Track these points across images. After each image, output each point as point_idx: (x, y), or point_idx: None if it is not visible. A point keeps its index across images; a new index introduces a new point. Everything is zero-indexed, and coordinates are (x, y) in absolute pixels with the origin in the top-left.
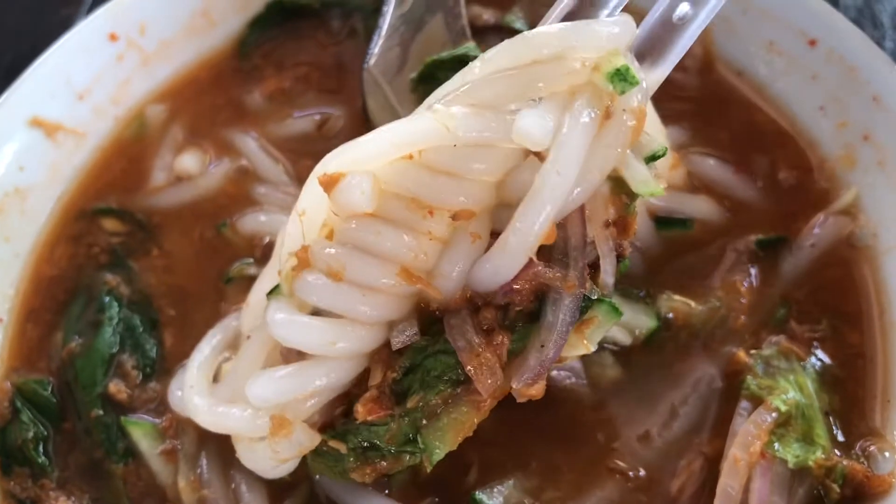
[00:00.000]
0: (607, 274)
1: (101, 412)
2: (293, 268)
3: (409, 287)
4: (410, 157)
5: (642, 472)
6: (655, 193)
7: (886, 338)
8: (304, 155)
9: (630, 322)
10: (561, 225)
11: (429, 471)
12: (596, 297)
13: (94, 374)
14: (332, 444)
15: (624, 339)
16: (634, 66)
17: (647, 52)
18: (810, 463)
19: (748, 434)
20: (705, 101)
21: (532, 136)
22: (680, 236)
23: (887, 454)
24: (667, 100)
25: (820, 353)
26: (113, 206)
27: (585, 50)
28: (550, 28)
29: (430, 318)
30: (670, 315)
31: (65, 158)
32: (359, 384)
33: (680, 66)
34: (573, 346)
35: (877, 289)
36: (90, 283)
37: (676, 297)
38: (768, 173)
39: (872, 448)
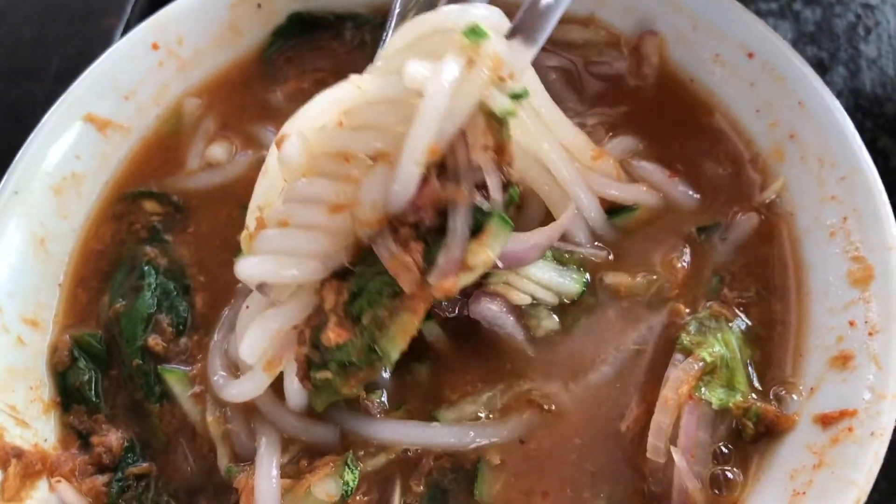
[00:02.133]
0: (494, 189)
1: (140, 361)
2: (251, 232)
3: (341, 220)
4: (340, 123)
5: (569, 408)
6: (511, 113)
7: (802, 306)
8: None
9: (557, 286)
10: (450, 152)
11: (389, 370)
12: (487, 210)
13: (135, 330)
14: (320, 375)
15: (551, 299)
16: (495, 34)
17: (520, 32)
18: (731, 405)
19: (678, 379)
20: (662, 106)
21: (414, 77)
22: (628, 223)
23: (794, 397)
24: (626, 105)
25: (745, 317)
26: (153, 190)
27: (461, 25)
28: (440, 11)
29: (365, 250)
30: (608, 283)
31: (113, 149)
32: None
33: (639, 75)
34: (475, 252)
35: (796, 265)
36: (132, 254)
37: (620, 273)
38: (712, 167)
39: (783, 393)
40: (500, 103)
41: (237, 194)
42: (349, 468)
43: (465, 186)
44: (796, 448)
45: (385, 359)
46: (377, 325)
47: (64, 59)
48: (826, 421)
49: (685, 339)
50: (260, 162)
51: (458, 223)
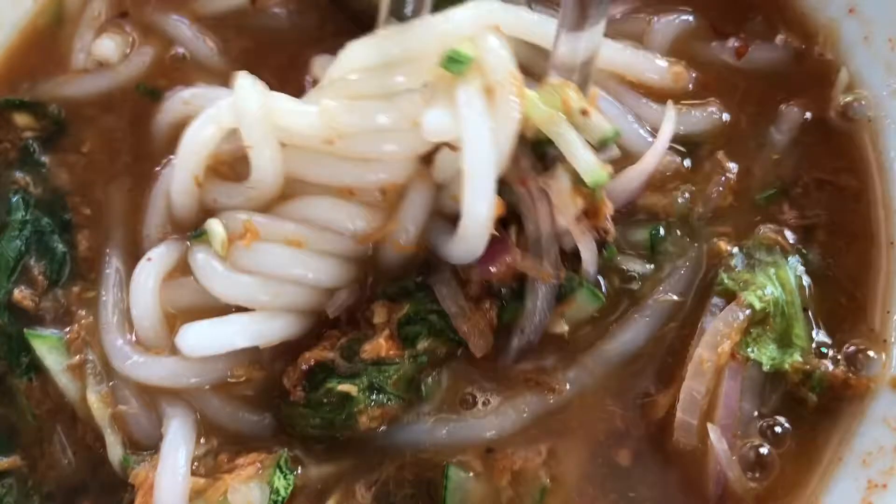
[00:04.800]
0: (588, 264)
1: (4, 321)
2: (234, 237)
3: (364, 249)
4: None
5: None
6: (601, 182)
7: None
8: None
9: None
10: (532, 218)
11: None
12: (574, 283)
13: None
14: (341, 387)
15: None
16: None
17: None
18: (786, 366)
19: (717, 333)
20: None
21: (440, 132)
22: None
23: (873, 355)
24: None
25: (810, 246)
26: (24, 99)
27: (436, 52)
28: (406, 29)
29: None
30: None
31: None
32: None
33: None
34: (551, 324)
35: (878, 164)
36: None
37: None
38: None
39: (859, 350)
40: (583, 164)
41: (133, 103)
42: (281, 472)
43: (547, 262)
44: (871, 423)
45: (426, 398)
46: (432, 358)
47: None
48: None
49: (726, 278)
50: (173, 62)
51: (539, 304)
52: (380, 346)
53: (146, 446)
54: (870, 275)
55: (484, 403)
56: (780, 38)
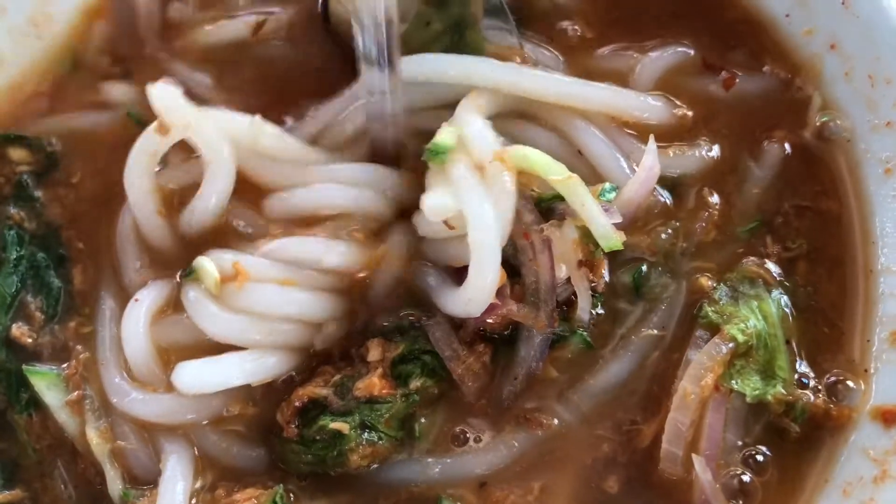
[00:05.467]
0: (583, 311)
1: (2, 358)
2: (227, 279)
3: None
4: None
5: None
6: (615, 247)
7: (868, 261)
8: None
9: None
10: (532, 270)
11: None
12: (566, 333)
13: None
14: (334, 425)
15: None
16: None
17: None
18: (769, 397)
19: (701, 366)
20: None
21: (442, 212)
22: None
23: (853, 385)
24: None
25: (791, 278)
26: (20, 133)
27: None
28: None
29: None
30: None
31: None
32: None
33: None
34: (543, 370)
35: (859, 206)
36: None
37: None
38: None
39: (839, 381)
40: (600, 228)
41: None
42: None
43: (544, 312)
44: (851, 453)
45: (418, 437)
46: (424, 398)
47: None
48: (889, 417)
49: (710, 310)
50: None
51: (532, 353)
52: (373, 384)
53: (145, 481)
54: (849, 303)
55: (475, 440)
56: (766, 69)
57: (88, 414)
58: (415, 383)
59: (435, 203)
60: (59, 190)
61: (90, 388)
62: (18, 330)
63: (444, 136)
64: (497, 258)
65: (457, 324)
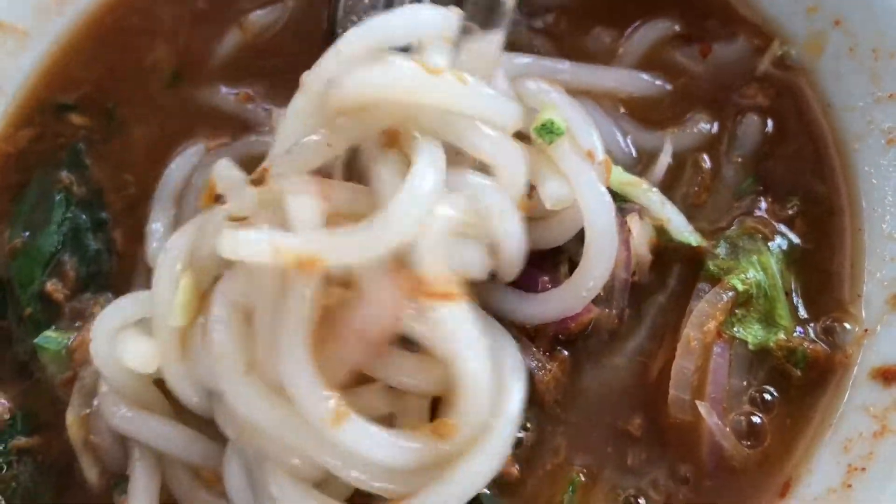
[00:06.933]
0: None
1: (34, 311)
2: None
3: None
4: None
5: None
6: (703, 244)
7: (855, 222)
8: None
9: None
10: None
11: None
12: None
13: (32, 271)
14: None
15: None
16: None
17: None
18: (771, 344)
19: (702, 313)
20: None
21: (561, 200)
22: None
23: (848, 327)
24: None
25: (788, 231)
26: (75, 102)
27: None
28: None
29: None
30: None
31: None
32: None
33: None
34: None
35: (842, 161)
36: (45, 177)
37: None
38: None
39: (835, 324)
40: (678, 227)
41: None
42: None
43: (615, 309)
44: (851, 410)
45: None
46: None
47: None
48: (889, 376)
49: (711, 265)
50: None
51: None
52: None
53: (117, 474)
54: (841, 249)
55: None
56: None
57: (76, 396)
58: None
59: (553, 191)
60: (107, 150)
61: (88, 369)
62: (52, 286)
63: (554, 118)
64: (614, 242)
65: (530, 335)
